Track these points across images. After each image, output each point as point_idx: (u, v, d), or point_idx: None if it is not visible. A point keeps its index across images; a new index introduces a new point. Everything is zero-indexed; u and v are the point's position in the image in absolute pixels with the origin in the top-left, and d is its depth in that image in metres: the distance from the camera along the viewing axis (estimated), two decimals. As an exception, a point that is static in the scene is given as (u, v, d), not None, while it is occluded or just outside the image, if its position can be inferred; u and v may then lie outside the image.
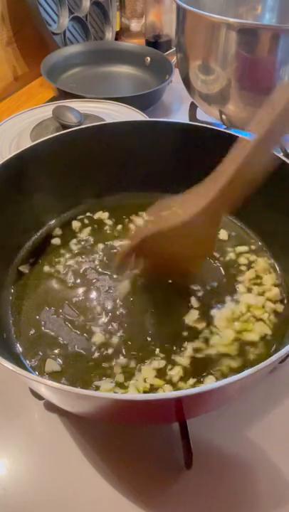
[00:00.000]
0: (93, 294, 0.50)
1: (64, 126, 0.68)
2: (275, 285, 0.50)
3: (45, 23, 0.98)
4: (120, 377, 0.42)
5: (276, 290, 0.49)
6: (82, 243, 0.56)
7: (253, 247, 0.55)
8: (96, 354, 0.44)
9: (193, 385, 0.41)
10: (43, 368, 0.43)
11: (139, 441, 0.42)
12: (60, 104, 0.78)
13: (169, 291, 0.49)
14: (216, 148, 0.50)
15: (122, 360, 0.43)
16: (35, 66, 1.03)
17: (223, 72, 0.64)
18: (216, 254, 0.54)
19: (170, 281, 0.50)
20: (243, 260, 0.53)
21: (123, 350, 0.44)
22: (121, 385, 0.41)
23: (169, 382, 0.42)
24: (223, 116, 0.70)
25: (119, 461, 0.41)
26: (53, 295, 0.50)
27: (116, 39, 1.24)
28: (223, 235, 0.56)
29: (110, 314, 0.47)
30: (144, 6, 1.13)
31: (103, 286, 0.50)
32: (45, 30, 0.99)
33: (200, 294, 0.49)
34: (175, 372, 0.42)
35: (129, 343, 0.45)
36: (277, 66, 0.60)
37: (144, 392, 0.41)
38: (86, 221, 0.58)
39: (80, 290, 0.50)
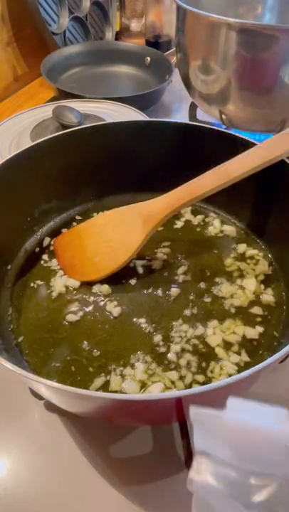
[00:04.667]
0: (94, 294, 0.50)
1: (64, 126, 0.68)
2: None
3: (45, 23, 0.98)
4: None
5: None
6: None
7: (252, 246, 0.55)
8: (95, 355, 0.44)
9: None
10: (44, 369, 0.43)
11: (139, 441, 0.42)
12: (60, 104, 0.78)
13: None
14: (216, 149, 0.51)
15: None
16: (35, 66, 1.03)
17: (223, 72, 0.64)
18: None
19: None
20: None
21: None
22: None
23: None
24: (223, 116, 0.70)
25: (119, 461, 0.41)
26: (53, 295, 0.49)
27: (116, 39, 1.23)
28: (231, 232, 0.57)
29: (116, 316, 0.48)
30: (144, 6, 1.13)
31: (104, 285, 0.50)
32: (45, 30, 0.99)
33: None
34: None
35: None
36: (277, 66, 0.59)
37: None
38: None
39: (82, 289, 0.50)
